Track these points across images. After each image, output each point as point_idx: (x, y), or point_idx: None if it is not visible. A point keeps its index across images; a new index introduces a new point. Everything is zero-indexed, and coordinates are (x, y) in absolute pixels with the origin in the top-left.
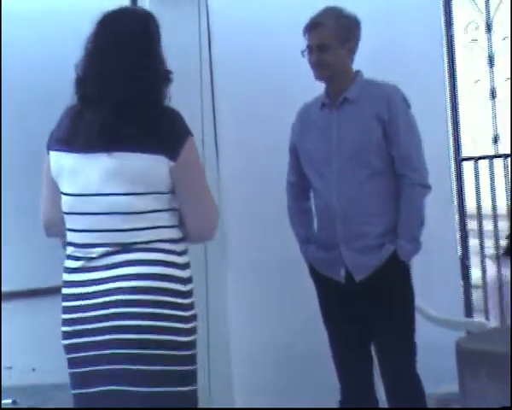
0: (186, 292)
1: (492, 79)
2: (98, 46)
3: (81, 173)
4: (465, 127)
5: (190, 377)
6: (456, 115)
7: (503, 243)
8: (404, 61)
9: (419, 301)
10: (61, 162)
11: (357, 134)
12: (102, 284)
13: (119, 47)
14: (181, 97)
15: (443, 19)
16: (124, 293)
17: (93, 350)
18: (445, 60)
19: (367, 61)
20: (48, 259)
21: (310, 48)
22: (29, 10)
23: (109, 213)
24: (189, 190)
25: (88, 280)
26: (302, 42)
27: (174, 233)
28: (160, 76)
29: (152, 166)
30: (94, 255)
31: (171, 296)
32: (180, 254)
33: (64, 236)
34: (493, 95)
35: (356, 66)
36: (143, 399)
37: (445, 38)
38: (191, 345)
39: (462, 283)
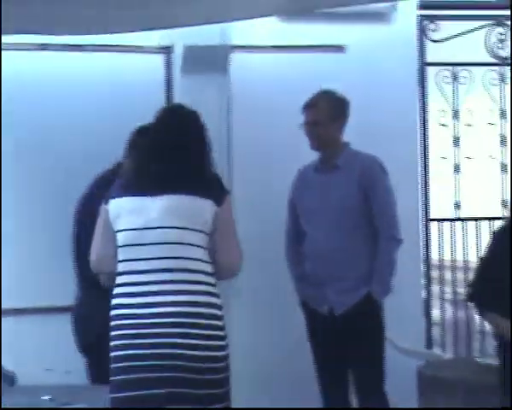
0: (222, 316)
1: (458, 157)
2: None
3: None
4: (432, 194)
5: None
6: (426, 184)
7: (461, 290)
8: (384, 137)
9: (389, 334)
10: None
11: (344, 195)
12: (156, 307)
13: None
14: None
15: (418, 104)
16: (176, 317)
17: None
18: (418, 139)
19: (355, 135)
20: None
21: (306, 123)
22: None
23: (164, 243)
24: (226, 231)
25: (142, 303)
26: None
27: (210, 268)
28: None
29: (201, 207)
30: (148, 280)
31: (216, 320)
32: (215, 285)
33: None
34: (457, 169)
35: (347, 138)
36: None
37: (419, 119)
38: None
39: (424, 320)
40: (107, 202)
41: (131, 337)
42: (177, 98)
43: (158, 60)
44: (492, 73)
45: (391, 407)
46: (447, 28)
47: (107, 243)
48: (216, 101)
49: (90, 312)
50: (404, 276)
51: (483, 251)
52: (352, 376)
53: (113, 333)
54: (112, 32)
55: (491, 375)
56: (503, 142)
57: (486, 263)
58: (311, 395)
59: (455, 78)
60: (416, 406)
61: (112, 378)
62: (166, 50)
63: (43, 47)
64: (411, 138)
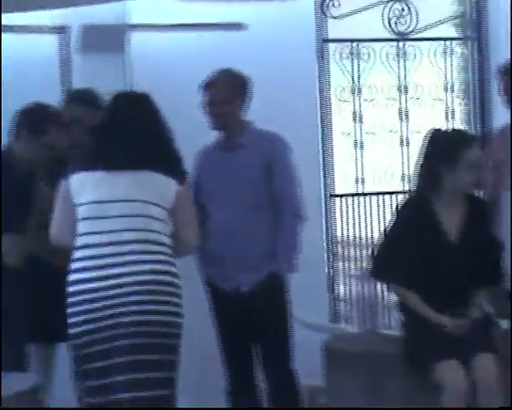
0: (179, 285)
1: (359, 132)
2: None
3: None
4: (335, 170)
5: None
6: (328, 160)
7: (365, 265)
8: (286, 114)
9: (295, 310)
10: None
11: (245, 173)
12: (119, 278)
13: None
14: None
15: (318, 81)
16: (139, 285)
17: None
18: (319, 116)
19: (257, 112)
20: None
21: (206, 103)
22: None
23: (127, 215)
24: (187, 209)
25: (106, 276)
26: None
27: (169, 241)
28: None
29: (165, 185)
30: (111, 252)
31: (174, 288)
32: (172, 256)
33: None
34: (358, 145)
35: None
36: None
37: (319, 96)
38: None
39: (329, 296)
40: (69, 175)
41: (97, 311)
42: (76, 78)
43: (54, 40)
44: (391, 49)
45: (298, 381)
46: (347, 4)
47: (68, 217)
48: (115, 80)
49: None
50: (308, 253)
51: (386, 225)
52: (259, 353)
53: (75, 309)
54: (5, 12)
55: (395, 346)
56: (402, 116)
57: (389, 237)
58: (216, 372)
59: (354, 54)
60: (322, 379)
61: (75, 354)
62: (62, 30)
63: None
64: (312, 115)
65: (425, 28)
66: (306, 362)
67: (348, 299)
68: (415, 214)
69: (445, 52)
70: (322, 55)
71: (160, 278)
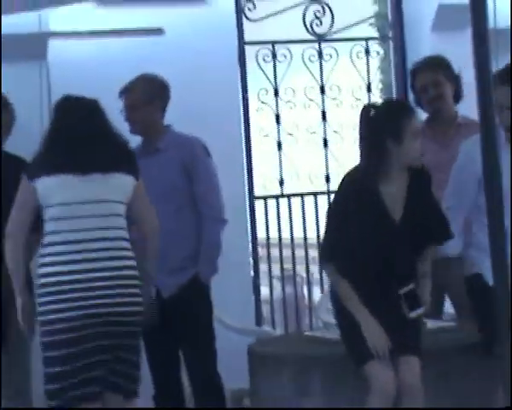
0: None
1: (280, 134)
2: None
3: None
4: (257, 173)
5: None
6: (250, 162)
7: (288, 266)
8: (208, 118)
9: (219, 313)
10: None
11: (166, 177)
12: (92, 273)
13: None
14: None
15: (240, 85)
16: (109, 280)
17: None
18: (242, 118)
19: (179, 117)
20: None
21: (123, 108)
22: None
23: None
24: (145, 200)
25: (80, 270)
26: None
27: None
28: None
29: (124, 182)
30: (83, 248)
31: (136, 280)
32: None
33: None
34: (279, 146)
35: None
36: None
37: (241, 100)
38: None
39: (253, 298)
40: (32, 180)
41: (72, 301)
42: None
43: None
44: (311, 50)
45: (222, 385)
46: (266, 7)
47: (28, 217)
48: (35, 88)
49: None
50: (231, 255)
51: (308, 226)
52: (183, 358)
53: (47, 298)
54: None
55: (319, 347)
56: (323, 117)
57: (331, 219)
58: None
59: (274, 56)
60: (247, 384)
61: (46, 339)
62: None
63: None
64: (234, 118)
65: (344, 29)
66: (231, 366)
67: (271, 301)
68: (358, 193)
69: (366, 52)
70: (242, 58)
71: (124, 273)
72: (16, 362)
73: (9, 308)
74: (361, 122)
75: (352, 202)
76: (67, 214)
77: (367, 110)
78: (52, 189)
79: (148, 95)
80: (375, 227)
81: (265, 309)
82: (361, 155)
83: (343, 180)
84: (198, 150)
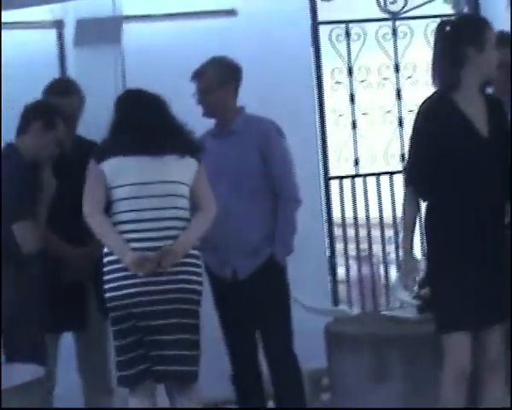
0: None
1: (354, 113)
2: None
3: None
4: (331, 152)
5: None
6: (325, 143)
7: (364, 246)
8: (281, 99)
9: (295, 294)
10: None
11: (241, 159)
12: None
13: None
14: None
15: (313, 64)
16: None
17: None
18: (316, 99)
19: (254, 100)
20: None
21: (196, 92)
22: None
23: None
24: (206, 183)
25: (150, 247)
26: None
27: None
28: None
29: (189, 165)
30: (152, 227)
31: (198, 259)
32: None
33: None
34: (354, 126)
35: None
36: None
37: (315, 80)
38: None
39: (329, 278)
40: (99, 162)
41: (135, 277)
42: (72, 71)
43: (50, 35)
44: (385, 29)
45: (299, 365)
46: None
47: (100, 197)
48: (110, 72)
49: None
50: (307, 236)
51: (384, 205)
52: (261, 339)
53: (113, 275)
54: (3, 9)
55: (396, 327)
56: (398, 96)
57: (416, 144)
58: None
59: (348, 35)
60: (324, 364)
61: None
62: (58, 25)
63: None
64: (308, 99)
65: (418, 6)
66: (308, 346)
67: (348, 281)
68: (441, 114)
69: None
70: (316, 38)
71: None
72: (95, 346)
73: (87, 292)
74: (437, 40)
75: (435, 123)
76: (133, 195)
77: (442, 27)
78: (118, 170)
79: (220, 77)
80: (463, 144)
81: (342, 289)
82: (437, 77)
83: (420, 108)
84: (272, 131)
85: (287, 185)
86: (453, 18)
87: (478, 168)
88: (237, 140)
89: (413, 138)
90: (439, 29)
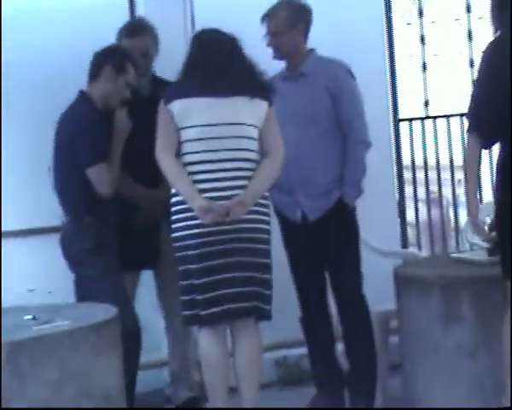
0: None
1: (425, 55)
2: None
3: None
4: (401, 94)
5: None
6: (395, 84)
7: (433, 189)
8: (350, 39)
9: (364, 236)
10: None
11: (311, 101)
12: (232, 190)
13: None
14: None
15: (383, 4)
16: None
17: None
18: (385, 39)
19: (323, 41)
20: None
21: (267, 33)
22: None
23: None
24: (276, 126)
25: (220, 187)
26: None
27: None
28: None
29: (259, 107)
30: (222, 167)
31: (266, 200)
32: None
33: None
34: (425, 67)
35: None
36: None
37: (385, 20)
38: None
39: (398, 221)
40: (168, 102)
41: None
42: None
43: None
44: None
45: (368, 308)
46: None
47: (171, 138)
48: (180, 19)
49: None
50: (376, 178)
51: (454, 148)
52: (330, 278)
53: (183, 215)
54: None
55: (466, 268)
56: (469, 37)
57: (481, 87)
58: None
59: None
60: (392, 306)
61: (179, 254)
62: None
63: None
64: (377, 39)
65: None
66: (377, 288)
67: (418, 224)
68: (502, 57)
69: None
70: None
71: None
72: (172, 281)
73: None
74: None
75: (496, 67)
76: (202, 136)
77: None
78: (187, 111)
79: (290, 19)
80: None
81: (411, 232)
82: (495, 21)
83: (483, 52)
84: (343, 74)
85: (357, 127)
86: None
87: None
88: (307, 82)
89: (476, 82)
90: None
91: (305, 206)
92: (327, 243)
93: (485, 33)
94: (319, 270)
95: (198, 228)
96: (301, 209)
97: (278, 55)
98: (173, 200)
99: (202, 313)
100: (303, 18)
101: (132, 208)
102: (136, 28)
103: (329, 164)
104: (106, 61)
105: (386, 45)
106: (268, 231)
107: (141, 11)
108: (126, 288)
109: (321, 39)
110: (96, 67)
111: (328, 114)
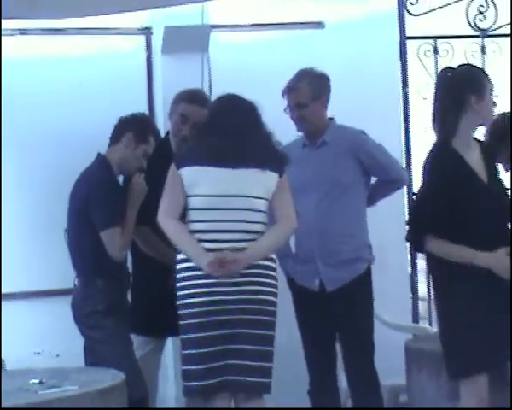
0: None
1: None
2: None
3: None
4: (415, 166)
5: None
6: (409, 157)
7: None
8: (368, 113)
9: (377, 309)
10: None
11: (333, 167)
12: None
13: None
14: None
15: (400, 79)
16: (251, 276)
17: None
18: (401, 113)
19: (339, 113)
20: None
21: (289, 107)
22: None
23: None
24: (287, 197)
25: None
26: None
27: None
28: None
29: (268, 179)
30: (225, 238)
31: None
32: None
33: None
34: None
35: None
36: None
37: (401, 94)
38: None
39: (411, 295)
40: (179, 167)
41: (208, 286)
42: (160, 78)
43: (139, 41)
44: (473, 45)
45: (379, 382)
46: (428, 2)
47: (177, 203)
48: (197, 80)
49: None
50: (389, 251)
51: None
52: (342, 352)
53: (186, 283)
54: (91, 15)
55: None
56: None
57: (424, 196)
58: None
59: (436, 51)
60: (402, 380)
61: (188, 336)
62: (147, 32)
63: (23, 32)
64: (394, 113)
65: (508, 24)
66: (387, 362)
67: (428, 298)
68: (443, 164)
69: None
70: (403, 53)
71: (261, 263)
72: None
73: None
74: (438, 88)
75: (442, 174)
76: (209, 206)
77: (444, 74)
78: (196, 179)
79: (314, 92)
80: (470, 194)
81: (422, 306)
82: (437, 125)
83: (428, 158)
84: (363, 137)
85: (395, 169)
86: (453, 67)
87: (484, 217)
88: (330, 150)
89: (425, 191)
90: (441, 76)
91: (325, 275)
92: (343, 316)
93: (498, 110)
94: (331, 341)
95: (203, 296)
96: (319, 279)
97: (302, 127)
98: (178, 266)
99: (200, 383)
100: (324, 89)
101: (165, 271)
102: (203, 101)
103: (352, 231)
104: (128, 127)
105: (402, 118)
106: (274, 303)
107: (158, 72)
108: (151, 354)
109: (340, 114)
110: (119, 132)
111: (353, 179)
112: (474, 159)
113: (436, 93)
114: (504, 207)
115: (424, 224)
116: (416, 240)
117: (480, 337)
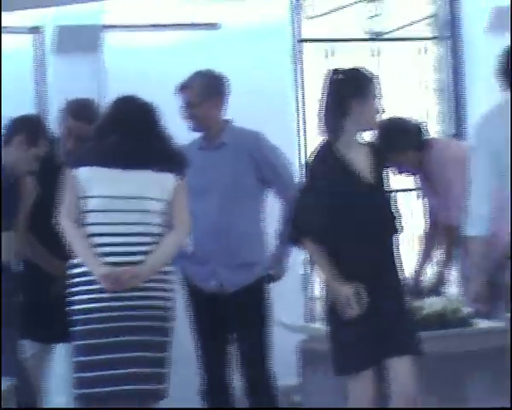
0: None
1: None
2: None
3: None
4: None
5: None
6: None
7: None
8: (262, 116)
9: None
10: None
11: (234, 169)
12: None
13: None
14: None
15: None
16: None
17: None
18: (296, 116)
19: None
20: None
21: (181, 106)
22: None
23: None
24: (183, 200)
25: (118, 263)
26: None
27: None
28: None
29: (165, 180)
30: (119, 241)
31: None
32: None
33: None
34: None
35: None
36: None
37: (295, 96)
38: None
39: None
40: (73, 167)
41: (106, 300)
42: (51, 78)
43: (28, 40)
44: (369, 48)
45: (275, 381)
46: (323, 5)
47: (75, 203)
48: (90, 80)
49: None
50: None
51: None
52: (239, 352)
53: (81, 288)
54: None
55: None
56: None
57: (303, 196)
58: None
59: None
60: (297, 379)
61: (79, 343)
62: (36, 31)
63: None
64: (289, 116)
65: (400, 28)
66: (281, 362)
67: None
68: (325, 164)
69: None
70: (297, 55)
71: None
72: None
73: None
74: (325, 87)
75: (321, 174)
76: (105, 207)
77: (333, 75)
78: (92, 180)
79: (205, 91)
80: (348, 190)
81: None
82: (321, 124)
83: (309, 158)
84: (262, 141)
85: (285, 174)
86: (342, 68)
87: (361, 216)
88: (228, 152)
89: (304, 192)
90: (327, 78)
91: (223, 276)
92: (240, 316)
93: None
94: (226, 342)
95: (95, 303)
96: (218, 280)
97: (194, 127)
98: (72, 271)
99: (91, 391)
100: (218, 89)
101: (48, 280)
102: (91, 116)
103: (251, 235)
104: (20, 129)
105: (299, 123)
106: (165, 308)
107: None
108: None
109: (234, 115)
110: (9, 134)
111: (252, 181)
112: (359, 160)
113: (321, 96)
114: (385, 221)
115: (302, 226)
116: (297, 241)
117: (353, 337)
